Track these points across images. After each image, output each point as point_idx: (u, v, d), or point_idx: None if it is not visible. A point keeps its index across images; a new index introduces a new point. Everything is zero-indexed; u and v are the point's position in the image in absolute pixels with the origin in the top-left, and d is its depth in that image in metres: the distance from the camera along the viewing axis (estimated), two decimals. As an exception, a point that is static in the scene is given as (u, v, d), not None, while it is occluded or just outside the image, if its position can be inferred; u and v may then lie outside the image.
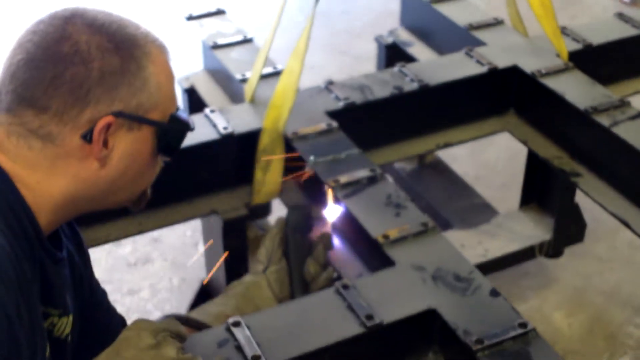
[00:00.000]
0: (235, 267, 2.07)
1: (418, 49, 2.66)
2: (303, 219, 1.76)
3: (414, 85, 2.10)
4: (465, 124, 2.25)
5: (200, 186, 1.99)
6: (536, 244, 2.53)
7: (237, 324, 1.41)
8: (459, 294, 1.50)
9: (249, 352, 1.36)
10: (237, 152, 1.97)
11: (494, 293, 1.50)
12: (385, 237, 1.61)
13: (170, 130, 1.29)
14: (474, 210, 2.85)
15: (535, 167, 2.59)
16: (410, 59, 2.58)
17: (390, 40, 2.71)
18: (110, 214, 1.93)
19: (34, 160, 1.22)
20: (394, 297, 1.49)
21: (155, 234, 2.98)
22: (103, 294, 1.58)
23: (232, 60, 2.23)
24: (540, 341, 1.41)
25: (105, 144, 1.22)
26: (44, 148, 1.21)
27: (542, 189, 2.61)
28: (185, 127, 1.33)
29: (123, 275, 2.82)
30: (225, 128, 1.93)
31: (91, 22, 1.21)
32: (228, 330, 1.41)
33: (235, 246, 2.06)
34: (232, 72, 2.18)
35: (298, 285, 1.71)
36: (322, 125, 1.94)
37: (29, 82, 1.20)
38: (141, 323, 1.28)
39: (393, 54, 2.69)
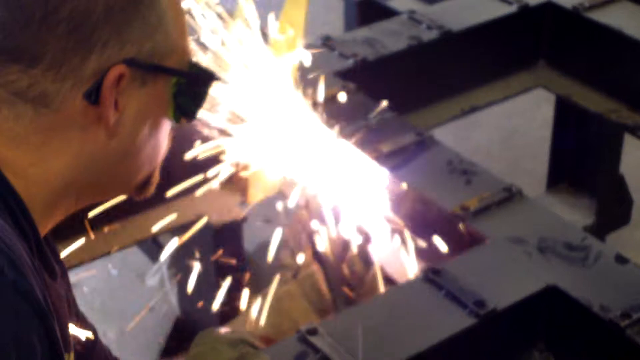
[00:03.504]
0: (229, 289, 2.03)
1: (400, 1, 2.70)
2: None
3: (434, 34, 2.13)
4: (490, 81, 2.30)
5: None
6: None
7: (313, 332, 1.39)
8: (579, 265, 1.52)
9: (340, 363, 1.34)
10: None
11: (621, 259, 1.54)
12: (464, 208, 1.62)
13: (193, 82, 1.22)
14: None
15: (564, 137, 2.68)
16: (392, 14, 2.61)
17: (362, -6, 2.75)
18: (65, 230, 1.85)
19: (23, 135, 1.12)
20: (499, 278, 1.51)
21: (70, 276, 2.88)
22: (92, 327, 1.51)
23: None
24: (695, 308, 1.45)
25: (115, 104, 1.13)
26: (36, 117, 1.11)
27: (575, 163, 2.70)
28: (209, 77, 1.25)
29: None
30: (211, 102, 1.89)
31: None
32: (303, 340, 1.38)
33: (228, 261, 2.03)
34: None
35: (339, 289, 1.70)
36: (337, 88, 1.94)
37: (9, 25, 1.09)
38: (210, 335, 1.24)
39: (367, 12, 2.73)
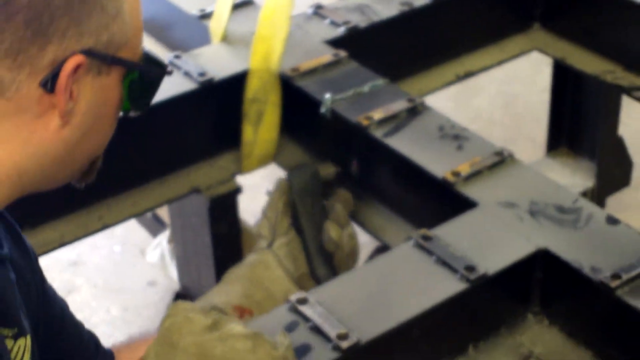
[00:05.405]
0: (226, 261, 2.04)
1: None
2: (311, 178, 1.77)
3: (426, -2, 2.13)
4: (485, 46, 2.29)
5: (173, 157, 1.95)
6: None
7: (303, 301, 1.39)
8: (570, 228, 1.52)
9: (331, 331, 1.34)
10: (218, 107, 1.94)
11: (612, 220, 1.53)
12: (456, 174, 1.62)
13: (146, 74, 1.25)
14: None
15: (562, 99, 2.67)
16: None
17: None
18: (59, 208, 1.86)
19: None
20: (490, 243, 1.50)
21: (72, 254, 2.91)
22: (63, 304, 1.46)
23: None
24: (687, 268, 1.45)
25: (70, 94, 1.15)
26: None
27: (574, 126, 2.69)
28: (162, 69, 1.28)
29: (42, 312, 2.73)
30: (201, 74, 1.89)
31: None
32: (294, 310, 1.38)
33: (224, 233, 2.03)
34: (183, 8, 2.15)
35: (318, 257, 1.72)
36: (328, 57, 1.94)
37: None
38: (181, 306, 1.26)
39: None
